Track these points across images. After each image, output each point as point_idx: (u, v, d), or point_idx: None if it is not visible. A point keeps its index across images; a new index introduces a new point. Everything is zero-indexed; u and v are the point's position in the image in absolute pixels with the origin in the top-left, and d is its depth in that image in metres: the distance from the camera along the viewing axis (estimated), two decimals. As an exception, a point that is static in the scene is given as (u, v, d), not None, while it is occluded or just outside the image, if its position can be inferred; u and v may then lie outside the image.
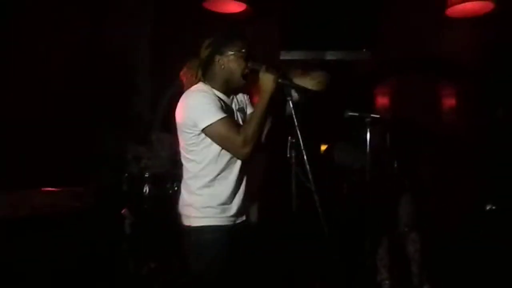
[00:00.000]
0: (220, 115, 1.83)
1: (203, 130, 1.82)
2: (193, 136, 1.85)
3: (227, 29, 2.08)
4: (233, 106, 2.03)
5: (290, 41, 4.65)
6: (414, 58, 4.54)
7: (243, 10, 4.15)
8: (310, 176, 1.88)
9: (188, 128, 1.85)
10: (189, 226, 1.88)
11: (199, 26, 4.35)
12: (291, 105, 1.97)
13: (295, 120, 1.94)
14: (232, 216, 1.92)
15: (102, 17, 4.14)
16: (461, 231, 3.76)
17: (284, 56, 4.70)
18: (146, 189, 3.53)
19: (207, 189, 1.88)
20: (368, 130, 2.65)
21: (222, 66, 1.92)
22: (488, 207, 3.67)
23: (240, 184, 1.95)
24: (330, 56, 4.76)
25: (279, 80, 1.94)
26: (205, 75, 1.96)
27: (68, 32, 3.72)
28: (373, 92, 4.74)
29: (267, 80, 1.92)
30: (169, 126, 4.28)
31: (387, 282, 3.55)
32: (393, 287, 3.52)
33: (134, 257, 2.97)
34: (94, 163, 3.38)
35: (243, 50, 1.95)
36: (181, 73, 2.01)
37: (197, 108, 1.82)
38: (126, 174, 3.50)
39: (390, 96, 4.73)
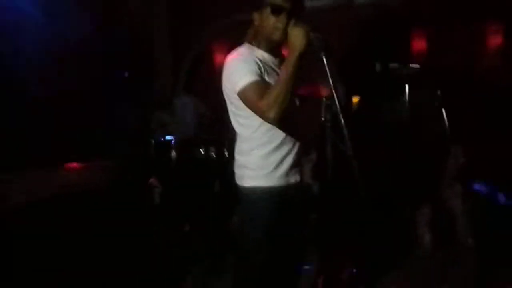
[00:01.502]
0: (249, 78, 1.74)
1: (238, 95, 1.78)
2: (237, 100, 1.82)
3: None
4: (279, 65, 1.88)
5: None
6: (449, 4, 4.09)
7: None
8: (347, 142, 1.70)
9: (231, 93, 1.82)
10: (242, 186, 1.90)
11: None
12: (325, 62, 1.76)
13: (330, 80, 1.73)
14: (283, 177, 1.89)
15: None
16: (509, 184, 3.53)
17: (310, 3, 4.37)
18: (173, 155, 3.47)
19: (258, 151, 1.87)
20: (407, 84, 2.37)
21: (258, 23, 1.84)
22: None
23: (291, 146, 1.91)
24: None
25: (311, 34, 1.73)
26: (254, 32, 1.89)
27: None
28: (409, 38, 4.34)
29: (296, 36, 1.74)
30: (192, 89, 4.18)
31: (428, 235, 3.43)
32: (435, 241, 3.40)
33: (166, 225, 2.92)
34: (117, 135, 3.30)
35: (279, 4, 1.78)
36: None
37: (231, 73, 1.80)
38: (153, 142, 3.43)
39: (429, 43, 4.32)
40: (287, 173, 1.89)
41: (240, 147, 1.93)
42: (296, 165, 1.94)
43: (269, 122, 1.76)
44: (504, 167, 3.49)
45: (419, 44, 4.34)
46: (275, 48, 1.88)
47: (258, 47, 1.86)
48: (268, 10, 1.80)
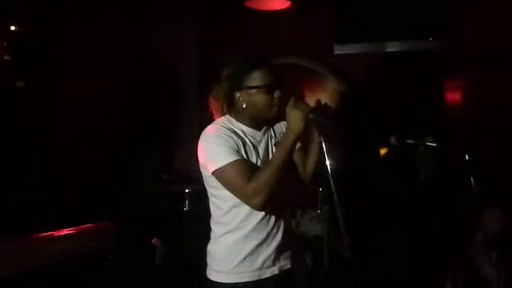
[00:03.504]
0: (231, 158, 1.59)
1: (213, 174, 1.62)
2: (210, 179, 1.66)
3: (244, 56, 1.74)
4: (266, 140, 1.76)
5: (345, 33, 4.14)
6: (493, 48, 3.83)
7: (288, 7, 3.78)
8: (346, 240, 1.53)
9: (204, 170, 1.68)
10: (206, 276, 1.72)
11: (248, 29, 4.06)
12: (324, 148, 1.62)
13: (328, 167, 1.59)
14: (257, 269, 1.67)
15: (147, 25, 3.94)
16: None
17: (338, 50, 4.23)
18: (186, 206, 3.38)
19: (228, 237, 1.67)
20: (422, 161, 2.16)
21: (244, 104, 1.68)
22: None
23: (270, 232, 1.69)
24: (391, 47, 4.17)
25: (310, 116, 1.61)
26: (231, 108, 1.74)
27: (111, 41, 3.56)
28: (443, 88, 4.10)
29: (294, 118, 1.61)
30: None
31: None
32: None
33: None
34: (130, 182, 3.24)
35: (266, 82, 1.65)
36: (209, 101, 1.78)
37: (207, 149, 1.64)
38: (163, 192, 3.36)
39: (464, 94, 4.06)
40: (261, 266, 1.66)
41: (213, 230, 1.75)
42: (279, 253, 1.70)
43: (253, 208, 1.60)
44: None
45: (453, 94, 4.09)
46: (259, 122, 1.74)
47: (238, 120, 1.71)
48: (254, 90, 1.65)
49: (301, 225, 4.00)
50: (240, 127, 1.70)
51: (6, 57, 2.91)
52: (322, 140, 1.62)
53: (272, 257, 1.68)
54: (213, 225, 1.73)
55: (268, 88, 1.65)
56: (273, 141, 1.77)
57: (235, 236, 1.64)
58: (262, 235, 1.66)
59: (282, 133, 1.78)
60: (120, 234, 2.37)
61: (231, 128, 1.67)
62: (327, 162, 1.59)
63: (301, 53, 4.15)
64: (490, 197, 3.19)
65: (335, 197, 1.57)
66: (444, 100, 4.11)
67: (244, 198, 1.57)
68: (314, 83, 4.25)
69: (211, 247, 1.72)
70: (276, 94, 1.67)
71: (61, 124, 3.25)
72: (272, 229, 1.68)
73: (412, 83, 4.06)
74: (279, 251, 1.70)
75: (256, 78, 1.65)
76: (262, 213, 1.65)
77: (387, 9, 4.03)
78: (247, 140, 1.68)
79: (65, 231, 2.12)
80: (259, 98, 1.65)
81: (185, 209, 3.35)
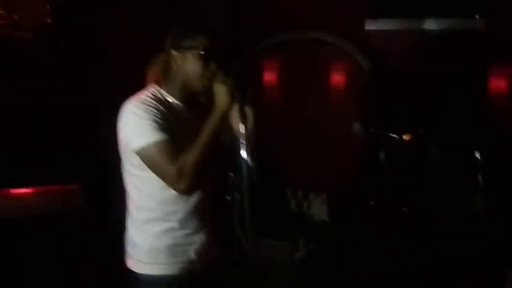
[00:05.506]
0: (157, 136, 1.46)
1: (137, 153, 1.50)
2: (133, 157, 1.52)
3: (193, 21, 1.69)
4: (198, 121, 1.57)
5: (378, 7, 3.78)
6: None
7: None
8: (248, 233, 1.40)
9: (126, 146, 1.54)
10: (133, 271, 1.58)
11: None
12: (243, 132, 1.48)
13: (244, 154, 1.45)
14: (189, 262, 1.58)
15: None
16: None
17: (370, 25, 3.87)
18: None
19: (154, 225, 1.55)
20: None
21: (176, 66, 1.57)
22: None
23: (201, 219, 1.59)
24: (429, 25, 3.75)
25: (236, 94, 1.47)
26: (164, 74, 1.62)
27: (146, 12, 3.56)
28: (488, 74, 3.60)
29: (220, 92, 1.49)
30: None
31: None
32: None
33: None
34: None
35: (204, 49, 1.52)
36: (145, 69, 1.68)
37: (131, 124, 1.51)
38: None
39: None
40: (195, 259, 1.57)
41: (133, 215, 1.59)
42: (210, 246, 1.61)
43: (179, 192, 1.48)
44: None
45: (499, 80, 3.57)
46: (189, 96, 1.60)
47: (168, 91, 1.59)
48: (194, 53, 1.53)
49: (312, 208, 3.85)
50: (169, 100, 1.57)
51: (48, 20, 3.05)
52: (241, 121, 1.47)
53: (204, 249, 1.59)
54: (133, 212, 1.58)
55: (205, 56, 1.52)
56: (202, 119, 1.62)
57: (162, 224, 1.53)
58: (193, 225, 1.56)
59: None
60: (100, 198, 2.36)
61: (159, 99, 1.55)
62: (243, 150, 1.44)
63: (327, 26, 3.86)
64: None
65: (245, 185, 1.42)
66: (488, 89, 3.62)
67: (169, 180, 1.45)
68: (339, 61, 3.95)
69: (136, 236, 1.57)
70: (212, 66, 1.53)
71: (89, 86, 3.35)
72: (202, 219, 1.58)
73: (452, 67, 3.62)
74: (210, 241, 1.62)
75: (197, 41, 1.53)
76: (193, 201, 1.54)
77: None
78: (174, 115, 1.55)
79: (24, 190, 2.16)
80: (193, 63, 1.53)
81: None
